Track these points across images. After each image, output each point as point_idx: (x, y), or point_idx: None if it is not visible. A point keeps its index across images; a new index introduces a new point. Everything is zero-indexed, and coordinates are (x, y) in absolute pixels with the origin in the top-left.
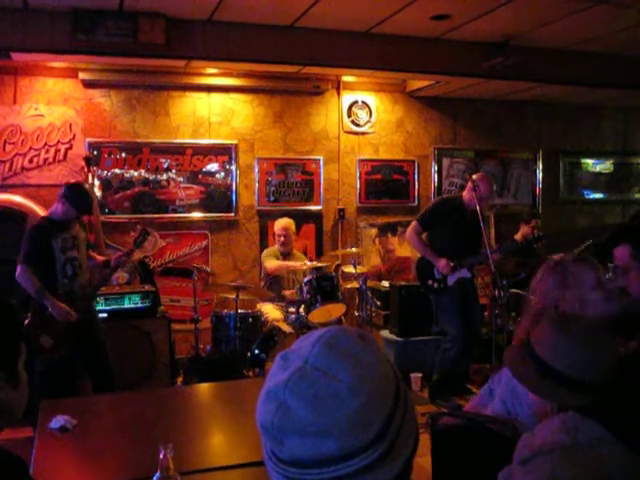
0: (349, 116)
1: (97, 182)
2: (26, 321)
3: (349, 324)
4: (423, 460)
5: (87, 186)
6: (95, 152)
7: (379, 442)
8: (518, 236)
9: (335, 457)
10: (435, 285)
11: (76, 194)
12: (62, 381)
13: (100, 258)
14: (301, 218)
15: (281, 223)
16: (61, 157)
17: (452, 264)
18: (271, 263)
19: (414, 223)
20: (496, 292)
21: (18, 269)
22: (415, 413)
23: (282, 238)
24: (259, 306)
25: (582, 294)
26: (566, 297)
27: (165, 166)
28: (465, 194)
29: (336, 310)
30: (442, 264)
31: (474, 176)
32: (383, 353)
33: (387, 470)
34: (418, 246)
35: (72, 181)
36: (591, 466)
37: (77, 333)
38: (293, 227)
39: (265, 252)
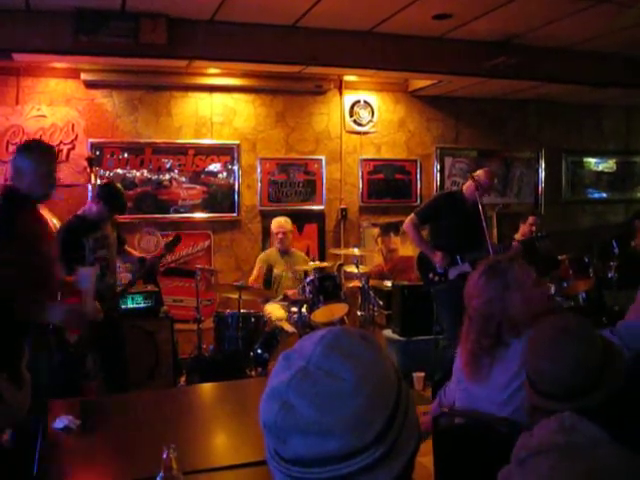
0: (351, 116)
1: (99, 182)
2: None
3: (352, 324)
4: (425, 459)
5: (119, 186)
6: (97, 152)
7: (381, 441)
8: (518, 236)
9: (337, 456)
10: (436, 278)
11: (110, 194)
12: (66, 381)
13: (136, 254)
14: (303, 218)
15: (277, 221)
16: (64, 158)
17: (449, 258)
18: (253, 276)
19: (412, 216)
20: None
21: None
22: (417, 413)
23: (280, 235)
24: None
25: (526, 294)
26: (512, 300)
27: (167, 166)
28: (465, 188)
29: (338, 310)
30: (438, 258)
31: (475, 173)
32: (385, 353)
33: (388, 469)
34: (415, 239)
35: (104, 181)
36: (587, 466)
37: (101, 331)
38: (289, 225)
39: (260, 256)
